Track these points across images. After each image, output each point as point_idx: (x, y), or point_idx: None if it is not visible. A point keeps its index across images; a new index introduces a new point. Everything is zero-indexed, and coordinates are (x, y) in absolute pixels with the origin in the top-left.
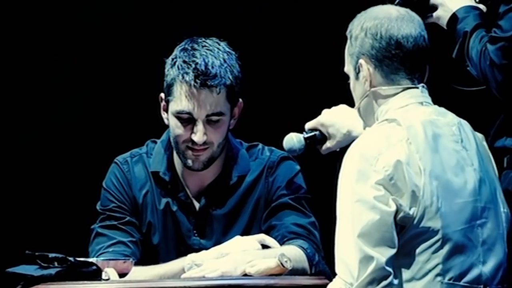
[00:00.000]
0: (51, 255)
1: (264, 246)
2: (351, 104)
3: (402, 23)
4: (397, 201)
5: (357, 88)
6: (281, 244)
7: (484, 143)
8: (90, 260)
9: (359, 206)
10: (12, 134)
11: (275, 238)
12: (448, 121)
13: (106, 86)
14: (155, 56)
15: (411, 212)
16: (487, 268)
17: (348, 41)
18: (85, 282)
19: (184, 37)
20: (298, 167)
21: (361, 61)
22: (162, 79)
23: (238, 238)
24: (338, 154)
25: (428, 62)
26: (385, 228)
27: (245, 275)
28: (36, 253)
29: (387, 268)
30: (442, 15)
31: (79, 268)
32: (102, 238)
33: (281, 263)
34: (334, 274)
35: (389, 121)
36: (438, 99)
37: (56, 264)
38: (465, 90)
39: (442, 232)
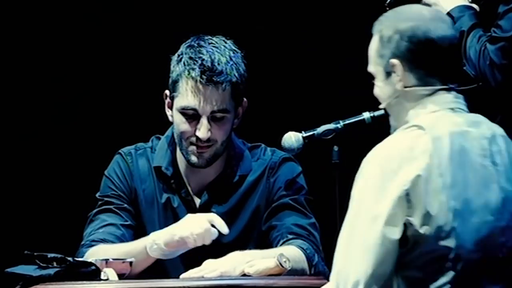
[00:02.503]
0: (50, 255)
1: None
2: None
3: (437, 24)
4: (408, 221)
5: (385, 89)
6: (281, 245)
7: None
8: (89, 260)
9: (370, 223)
10: (11, 133)
11: (275, 239)
12: (480, 133)
13: (106, 85)
14: (159, 53)
15: (421, 231)
16: None
17: (378, 41)
18: (84, 282)
19: (190, 35)
20: (299, 168)
21: (394, 61)
22: (166, 76)
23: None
24: (339, 155)
25: (462, 64)
26: (389, 256)
27: (244, 275)
28: (35, 253)
29: None
30: None
31: (78, 268)
32: (95, 222)
33: (280, 263)
34: None
35: (418, 128)
36: None
37: (55, 264)
38: (460, 89)
39: (455, 252)
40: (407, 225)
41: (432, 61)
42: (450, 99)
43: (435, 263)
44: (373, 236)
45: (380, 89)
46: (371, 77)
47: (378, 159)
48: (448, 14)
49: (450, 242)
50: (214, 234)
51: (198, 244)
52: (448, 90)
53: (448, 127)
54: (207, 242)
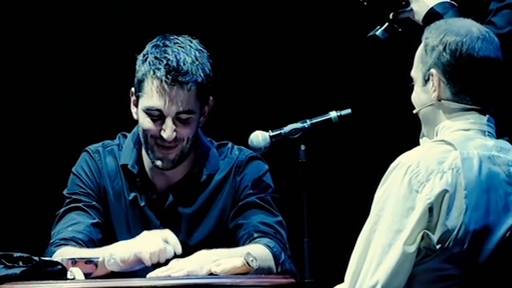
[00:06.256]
0: (16, 254)
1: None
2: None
3: (482, 44)
4: (426, 233)
5: (421, 95)
6: (247, 243)
7: None
8: (55, 259)
9: (392, 236)
10: None
11: (242, 237)
12: (508, 159)
13: (70, 82)
14: (126, 51)
15: (437, 247)
16: None
17: (423, 48)
18: (50, 281)
19: (158, 33)
20: (266, 167)
21: (433, 71)
22: (133, 75)
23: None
24: (306, 154)
25: (501, 88)
26: (404, 269)
27: (211, 274)
28: (1, 253)
29: None
30: (417, 10)
31: (44, 267)
32: (63, 220)
33: (247, 262)
34: (300, 273)
35: (446, 143)
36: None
37: (21, 263)
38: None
39: (464, 276)
40: (423, 237)
41: (469, 79)
42: (482, 120)
43: (440, 283)
44: (393, 250)
45: (417, 95)
46: (410, 80)
47: (405, 167)
48: (432, 10)
49: (461, 265)
50: (169, 253)
51: (154, 262)
52: (482, 111)
53: (478, 149)
54: (162, 260)
